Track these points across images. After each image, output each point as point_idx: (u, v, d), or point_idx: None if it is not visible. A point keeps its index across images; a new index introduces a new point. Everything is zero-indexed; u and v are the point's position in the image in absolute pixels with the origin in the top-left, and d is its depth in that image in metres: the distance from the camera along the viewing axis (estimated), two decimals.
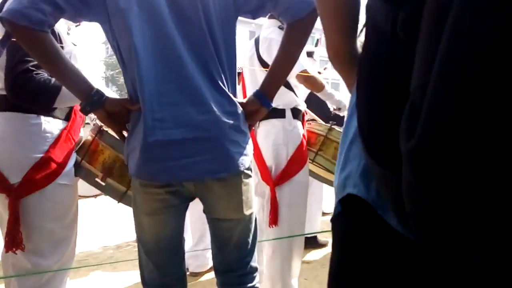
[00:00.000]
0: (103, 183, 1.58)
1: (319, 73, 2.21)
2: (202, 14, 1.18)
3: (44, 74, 1.42)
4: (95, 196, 2.03)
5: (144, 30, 1.15)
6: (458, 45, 0.35)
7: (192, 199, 1.31)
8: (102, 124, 1.59)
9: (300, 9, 1.21)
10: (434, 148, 0.37)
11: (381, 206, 0.53)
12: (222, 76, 1.23)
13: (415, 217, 0.42)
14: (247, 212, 1.29)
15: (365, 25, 0.58)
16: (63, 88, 1.40)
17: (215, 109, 1.19)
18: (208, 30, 1.19)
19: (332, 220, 0.64)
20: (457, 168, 0.36)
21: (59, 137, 1.52)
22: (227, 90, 1.23)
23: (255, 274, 1.37)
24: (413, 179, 0.39)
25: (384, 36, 0.49)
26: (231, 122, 1.21)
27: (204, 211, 1.32)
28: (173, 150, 1.16)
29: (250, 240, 1.34)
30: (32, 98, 1.42)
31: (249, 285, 1.35)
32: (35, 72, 1.40)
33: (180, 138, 1.16)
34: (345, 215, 0.61)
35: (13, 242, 1.43)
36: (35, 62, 1.39)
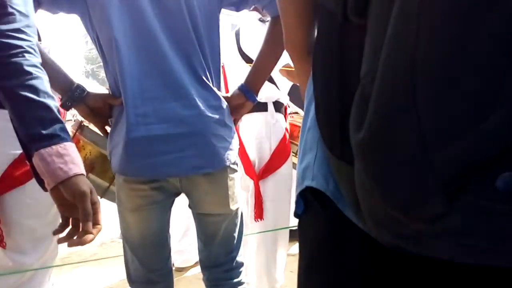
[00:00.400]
0: None
1: None
2: (185, 7, 1.16)
3: None
4: None
5: (124, 23, 1.13)
6: (405, 26, 0.32)
7: (177, 194, 1.30)
8: (83, 120, 1.57)
9: None
10: (382, 141, 0.34)
11: (340, 199, 0.50)
12: (206, 70, 1.22)
13: (367, 212, 0.40)
14: (233, 207, 1.29)
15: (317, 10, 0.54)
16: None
17: (199, 103, 1.18)
18: (191, 23, 1.18)
19: (296, 216, 0.61)
20: (404, 164, 0.34)
21: None
22: (211, 84, 1.22)
23: (241, 269, 1.37)
24: (362, 172, 0.37)
25: (335, 19, 0.45)
26: (216, 116, 1.20)
27: (190, 206, 1.32)
28: (157, 145, 1.15)
29: (236, 235, 1.34)
30: None
31: (235, 280, 1.35)
32: None
33: (164, 133, 1.15)
34: (307, 211, 0.58)
35: None
36: None
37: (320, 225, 0.55)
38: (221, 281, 1.34)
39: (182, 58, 1.18)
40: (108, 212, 4.27)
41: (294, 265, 2.70)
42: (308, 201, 0.57)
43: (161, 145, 1.15)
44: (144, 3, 1.14)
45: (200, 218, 1.31)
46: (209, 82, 1.22)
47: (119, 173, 1.20)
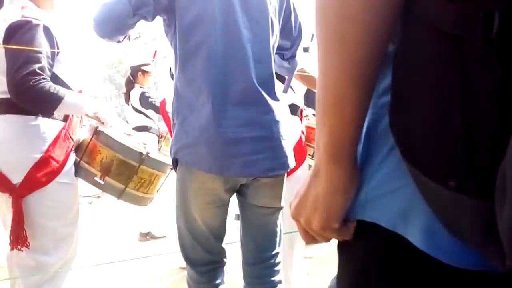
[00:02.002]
0: (102, 182, 1.61)
1: None
2: (270, 22, 1.32)
3: (48, 81, 1.44)
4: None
5: (216, 31, 1.24)
6: None
7: (236, 190, 1.38)
8: (98, 125, 1.63)
9: None
10: None
11: (400, 226, 0.48)
12: (274, 80, 1.35)
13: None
14: (282, 203, 1.41)
15: (407, 30, 0.44)
16: (66, 98, 1.46)
17: (273, 109, 1.29)
18: (271, 37, 1.33)
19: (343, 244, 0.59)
20: None
21: (58, 136, 1.54)
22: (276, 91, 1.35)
23: (279, 268, 1.45)
24: None
25: (455, 42, 0.39)
26: (284, 121, 1.33)
27: (242, 199, 1.40)
28: (240, 147, 1.24)
29: (278, 230, 1.45)
30: (34, 103, 1.46)
31: (277, 278, 1.44)
32: (42, 77, 1.42)
33: (246, 136, 1.25)
34: (359, 239, 0.55)
35: (18, 240, 1.45)
36: (41, 65, 1.42)
37: (369, 248, 0.54)
38: (265, 278, 1.42)
39: (260, 67, 1.29)
40: (125, 217, 4.33)
41: (310, 268, 2.69)
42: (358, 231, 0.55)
43: (244, 147, 1.25)
44: (237, 14, 1.26)
45: (253, 209, 1.39)
46: (276, 90, 1.34)
47: (202, 170, 1.26)
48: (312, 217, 0.53)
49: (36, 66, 1.41)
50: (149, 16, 1.22)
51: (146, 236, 3.76)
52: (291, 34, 1.48)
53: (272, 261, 1.42)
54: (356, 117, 0.48)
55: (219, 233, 1.39)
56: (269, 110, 1.29)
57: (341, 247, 0.59)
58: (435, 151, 0.43)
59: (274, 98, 1.32)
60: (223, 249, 1.43)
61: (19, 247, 1.45)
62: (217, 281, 1.40)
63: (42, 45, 1.46)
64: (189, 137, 1.26)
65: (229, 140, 1.23)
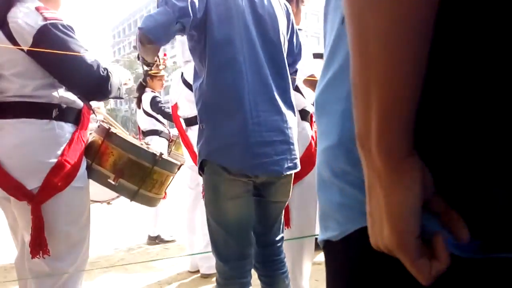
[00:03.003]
0: (115, 184, 1.62)
1: None
2: (282, 42, 1.54)
3: (104, 70, 1.55)
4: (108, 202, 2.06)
5: (243, 50, 1.45)
6: None
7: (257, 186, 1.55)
8: (110, 127, 1.65)
9: None
10: None
11: None
12: (291, 92, 1.57)
13: None
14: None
15: None
16: (111, 77, 1.59)
17: (289, 117, 1.52)
18: (284, 55, 1.55)
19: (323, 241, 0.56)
20: None
21: (71, 140, 1.53)
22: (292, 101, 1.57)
23: (282, 248, 1.70)
24: None
25: None
26: (295, 128, 1.55)
27: (260, 195, 1.56)
28: (268, 149, 1.44)
29: (282, 217, 1.71)
30: (110, 93, 1.60)
31: (283, 256, 1.68)
32: (103, 67, 1.54)
33: (271, 140, 1.45)
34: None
35: (39, 248, 1.45)
36: (94, 58, 1.53)
37: (355, 252, 0.51)
38: (275, 256, 1.66)
39: (278, 80, 1.52)
40: (135, 220, 4.35)
41: (319, 273, 2.68)
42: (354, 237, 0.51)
43: (269, 149, 1.45)
44: (253, 36, 1.48)
45: (269, 205, 1.61)
46: (293, 102, 1.57)
47: (235, 169, 1.44)
48: (384, 228, 0.42)
49: (94, 60, 1.52)
50: (186, 27, 1.37)
51: (155, 239, 3.77)
52: (293, 52, 1.73)
53: (280, 243, 1.67)
54: (419, 82, 0.38)
55: (250, 221, 1.54)
56: (286, 118, 1.50)
57: (328, 248, 0.56)
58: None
59: (289, 107, 1.54)
60: (252, 240, 1.58)
61: (41, 254, 1.45)
62: (246, 279, 1.54)
63: (78, 42, 1.51)
64: (223, 140, 1.43)
65: (260, 143, 1.42)
